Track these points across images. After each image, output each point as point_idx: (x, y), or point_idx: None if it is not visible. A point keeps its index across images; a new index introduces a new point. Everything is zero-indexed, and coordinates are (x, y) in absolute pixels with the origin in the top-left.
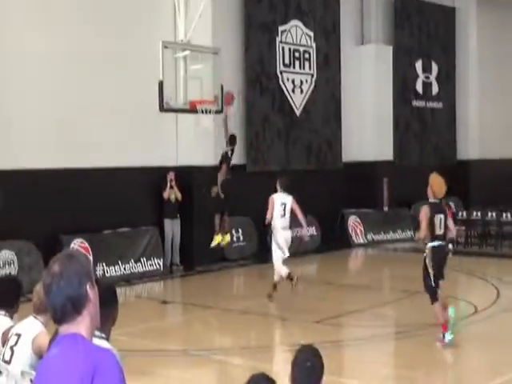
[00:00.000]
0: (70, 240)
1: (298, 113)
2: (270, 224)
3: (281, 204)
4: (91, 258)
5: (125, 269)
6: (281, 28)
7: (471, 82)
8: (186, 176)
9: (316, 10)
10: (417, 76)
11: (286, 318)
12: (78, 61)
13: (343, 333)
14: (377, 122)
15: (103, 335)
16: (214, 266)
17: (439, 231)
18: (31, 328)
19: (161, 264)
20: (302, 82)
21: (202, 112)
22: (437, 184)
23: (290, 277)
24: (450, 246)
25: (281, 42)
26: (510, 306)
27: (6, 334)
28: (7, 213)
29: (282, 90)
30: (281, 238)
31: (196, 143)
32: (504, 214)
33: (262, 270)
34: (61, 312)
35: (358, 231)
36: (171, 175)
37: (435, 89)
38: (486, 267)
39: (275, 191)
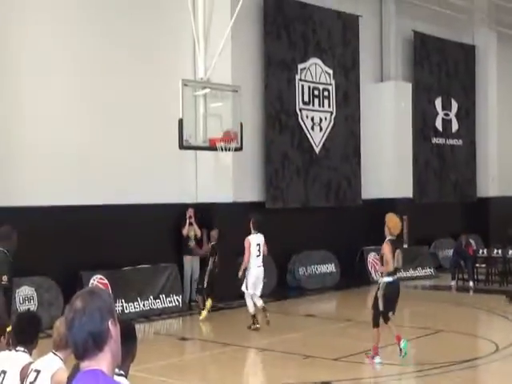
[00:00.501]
0: (90, 276)
1: (317, 150)
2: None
3: (256, 244)
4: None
5: (144, 305)
6: (300, 66)
7: (491, 120)
8: (206, 213)
9: (335, 47)
10: (436, 113)
11: (304, 355)
12: (97, 98)
13: (362, 370)
14: (396, 159)
15: (121, 372)
16: (233, 302)
17: (395, 266)
18: (50, 364)
19: (180, 301)
20: (321, 120)
21: (222, 150)
22: (394, 224)
23: (264, 310)
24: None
25: (300, 79)
26: None
27: (25, 369)
28: (27, 249)
29: (302, 128)
30: (253, 277)
31: (215, 180)
32: None
33: (281, 308)
34: (82, 348)
35: (378, 268)
36: (190, 212)
37: (455, 126)
38: (506, 305)
39: (249, 232)
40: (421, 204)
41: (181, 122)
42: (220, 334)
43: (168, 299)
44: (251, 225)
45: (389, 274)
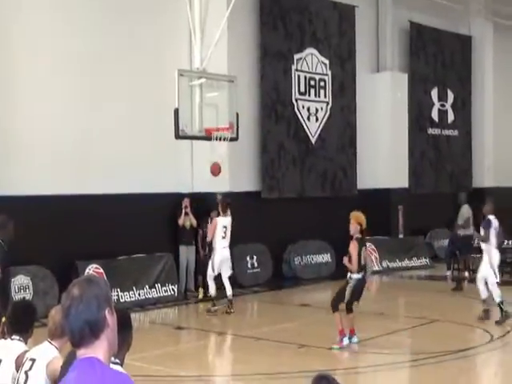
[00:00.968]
0: (85, 266)
1: (313, 140)
2: (211, 243)
3: (223, 227)
4: None
5: (139, 295)
6: (296, 56)
7: (487, 110)
8: (201, 202)
9: (331, 37)
10: (432, 104)
11: (299, 344)
12: (93, 87)
13: (358, 360)
14: (392, 149)
15: (117, 360)
16: None
17: (362, 263)
18: (46, 353)
19: (175, 290)
20: (317, 110)
21: (217, 139)
22: (362, 220)
23: (230, 302)
24: (466, 273)
25: (296, 69)
26: None
27: (20, 358)
28: (22, 239)
29: (298, 118)
30: (218, 258)
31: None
32: None
33: (276, 297)
34: (79, 336)
35: (373, 258)
36: (186, 202)
37: (451, 117)
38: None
39: (218, 214)
40: (416, 194)
41: (177, 111)
42: (215, 323)
43: (163, 288)
44: (220, 207)
45: (358, 271)
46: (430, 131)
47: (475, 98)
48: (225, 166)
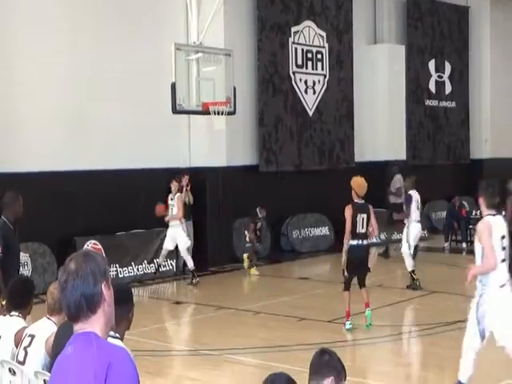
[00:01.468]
0: (84, 241)
1: (310, 113)
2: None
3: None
4: None
5: (138, 270)
6: (293, 29)
7: (484, 81)
8: (199, 177)
9: (328, 10)
10: (430, 75)
11: (299, 317)
12: (90, 62)
13: (356, 332)
14: (389, 121)
15: (117, 335)
16: (227, 266)
17: (360, 230)
18: (45, 329)
19: (174, 265)
20: (314, 83)
21: (215, 113)
22: (357, 185)
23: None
24: (464, 244)
25: (293, 42)
26: None
27: (19, 334)
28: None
29: (295, 91)
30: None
31: (209, 145)
32: None
33: (275, 270)
34: (75, 310)
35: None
36: (186, 179)
37: (448, 88)
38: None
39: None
40: (414, 166)
41: (174, 86)
42: (214, 298)
43: (162, 263)
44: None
45: (353, 238)
46: (428, 103)
47: (472, 69)
48: (222, 140)
